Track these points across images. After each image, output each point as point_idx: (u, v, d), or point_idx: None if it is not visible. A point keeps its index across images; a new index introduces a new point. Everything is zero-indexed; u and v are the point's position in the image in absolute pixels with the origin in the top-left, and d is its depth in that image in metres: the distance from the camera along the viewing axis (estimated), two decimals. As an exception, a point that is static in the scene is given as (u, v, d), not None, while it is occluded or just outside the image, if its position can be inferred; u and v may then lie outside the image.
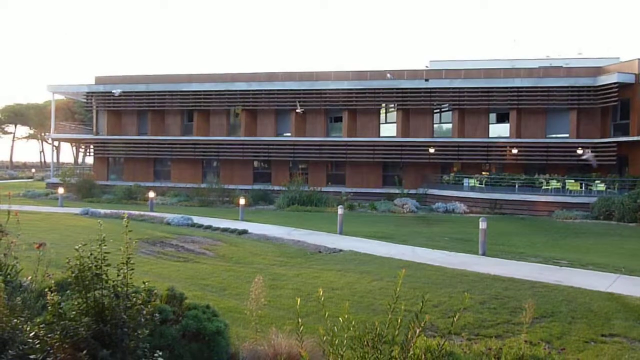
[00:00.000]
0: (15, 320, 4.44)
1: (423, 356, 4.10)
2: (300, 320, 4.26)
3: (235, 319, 7.03)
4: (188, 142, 38.48)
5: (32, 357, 3.96)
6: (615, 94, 30.23)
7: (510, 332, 7.17)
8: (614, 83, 30.15)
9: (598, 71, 32.49)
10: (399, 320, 3.91)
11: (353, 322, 4.07)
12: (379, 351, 3.85)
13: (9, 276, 6.07)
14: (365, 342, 3.89)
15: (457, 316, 4.09)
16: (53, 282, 5.27)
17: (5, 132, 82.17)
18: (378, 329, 3.89)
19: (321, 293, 4.35)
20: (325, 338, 3.92)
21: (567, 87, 32.18)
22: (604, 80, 30.96)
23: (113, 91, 38.19)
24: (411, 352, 3.94)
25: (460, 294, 8.96)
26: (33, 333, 4.17)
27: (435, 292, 9.30)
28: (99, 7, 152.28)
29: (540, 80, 32.99)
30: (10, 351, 4.15)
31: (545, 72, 34.30)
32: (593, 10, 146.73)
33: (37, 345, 4.04)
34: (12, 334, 4.34)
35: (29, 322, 4.46)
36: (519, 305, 8.17)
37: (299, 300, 5.10)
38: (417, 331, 3.86)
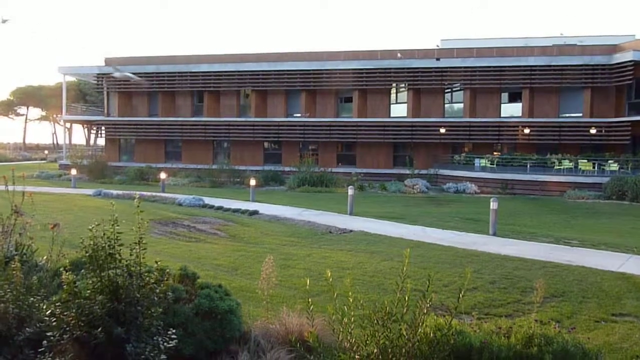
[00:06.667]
0: (32, 298, 4.54)
1: (432, 334, 4.15)
2: (310, 300, 4.31)
3: (247, 298, 7.11)
4: (198, 123, 38.54)
5: (49, 334, 4.05)
6: (631, 73, 29.70)
7: (521, 311, 7.19)
8: (629, 61, 29.59)
9: (613, 49, 31.87)
10: (407, 299, 3.94)
11: (362, 302, 4.12)
12: (388, 329, 3.90)
13: (25, 256, 6.17)
14: (375, 321, 3.93)
15: (462, 292, 4.11)
16: (68, 261, 5.35)
17: (18, 114, 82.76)
18: (387, 307, 3.93)
19: (329, 275, 4.40)
20: (334, 317, 3.97)
21: (582, 65, 31.66)
22: (619, 58, 30.40)
23: (128, 74, 37.73)
24: (420, 330, 3.98)
25: (471, 274, 8.98)
26: (49, 311, 4.26)
27: (446, 272, 9.33)
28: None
29: (553, 58, 32.48)
30: (27, 329, 4.25)
31: (559, 50, 33.74)
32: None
33: (54, 323, 4.13)
34: (29, 312, 4.43)
35: (45, 301, 4.54)
36: (530, 285, 8.18)
37: (308, 280, 5.15)
38: (425, 310, 3.90)
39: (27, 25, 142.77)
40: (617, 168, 27.59)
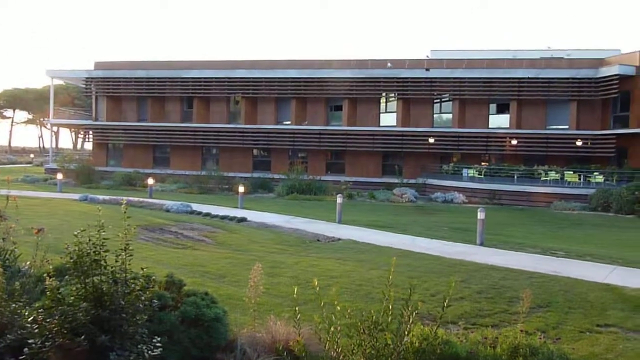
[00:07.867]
0: (14, 305, 4.47)
1: (418, 344, 4.14)
2: (297, 309, 4.29)
3: (234, 306, 7.05)
4: (188, 129, 38.40)
5: (30, 341, 3.99)
6: (616, 86, 30.17)
7: (507, 321, 7.21)
8: (615, 75, 30.07)
9: (599, 63, 32.37)
10: (391, 308, 3.93)
11: (349, 310, 4.10)
12: (375, 339, 3.89)
13: (7, 261, 6.09)
14: (362, 330, 3.92)
15: (446, 301, 4.12)
16: (52, 267, 5.28)
17: (4, 117, 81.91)
18: (374, 316, 3.92)
19: (316, 283, 4.38)
20: (320, 326, 3.95)
21: (568, 78, 32.10)
22: (605, 72, 30.87)
23: None
24: (406, 340, 3.97)
25: (458, 284, 8.99)
26: (32, 318, 4.19)
27: (433, 281, 9.33)
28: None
29: (541, 71, 32.90)
30: (9, 335, 4.18)
31: (547, 63, 34.18)
32: (595, 1, 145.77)
33: (36, 330, 4.07)
34: (11, 318, 4.37)
35: (27, 307, 4.48)
36: (516, 295, 8.20)
37: (296, 288, 5.12)
38: (410, 319, 3.89)
39: (16, 27, 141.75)
40: (603, 180, 27.91)
